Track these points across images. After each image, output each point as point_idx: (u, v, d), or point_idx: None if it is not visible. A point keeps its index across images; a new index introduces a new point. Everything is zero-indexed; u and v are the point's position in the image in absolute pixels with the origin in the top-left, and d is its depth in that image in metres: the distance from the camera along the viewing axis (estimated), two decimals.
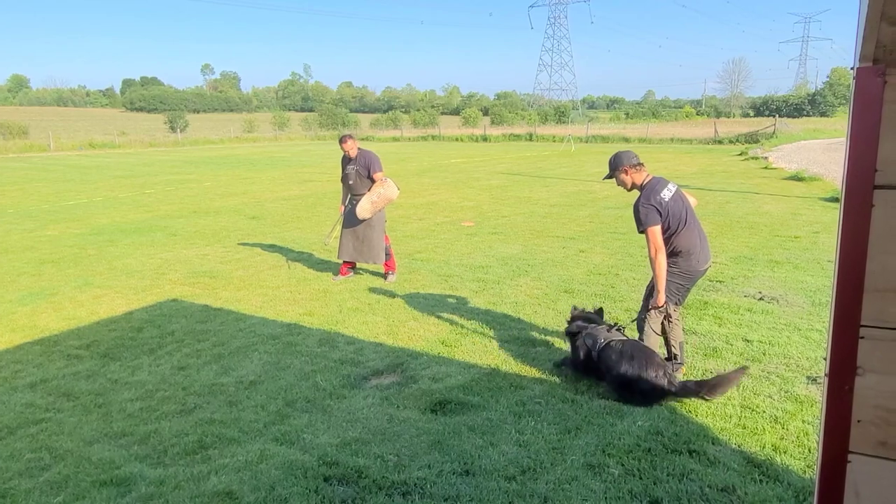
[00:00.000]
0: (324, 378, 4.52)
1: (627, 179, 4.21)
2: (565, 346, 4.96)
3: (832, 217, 10.70)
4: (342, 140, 7.18)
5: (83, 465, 3.45)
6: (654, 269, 4.13)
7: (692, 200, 4.38)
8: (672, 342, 4.44)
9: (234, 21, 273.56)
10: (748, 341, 4.98)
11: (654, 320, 4.23)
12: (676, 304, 4.35)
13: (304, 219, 12.04)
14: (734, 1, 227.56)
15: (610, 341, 4.15)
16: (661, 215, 4.04)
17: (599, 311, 4.70)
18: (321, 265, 8.09)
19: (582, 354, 4.27)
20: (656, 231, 4.04)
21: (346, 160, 7.22)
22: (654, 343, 4.25)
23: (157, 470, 3.38)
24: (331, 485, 3.19)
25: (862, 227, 1.41)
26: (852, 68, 1.50)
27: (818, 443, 1.63)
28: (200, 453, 3.55)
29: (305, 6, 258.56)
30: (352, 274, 7.48)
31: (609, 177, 4.32)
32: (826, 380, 1.50)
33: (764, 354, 4.72)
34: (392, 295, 6.64)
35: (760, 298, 6.11)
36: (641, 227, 4.08)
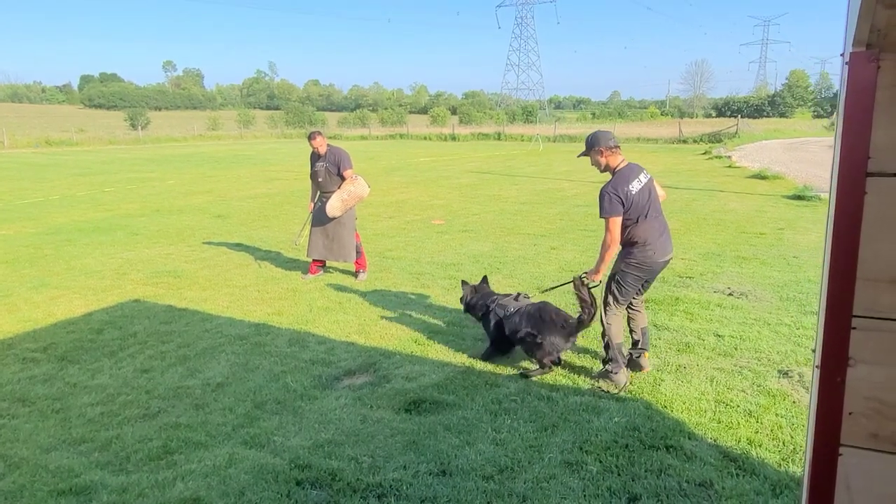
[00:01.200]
0: (294, 379, 4.40)
1: (602, 161, 4.18)
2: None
3: (796, 214, 10.94)
4: (311, 136, 7.04)
5: (40, 474, 3.27)
6: (601, 253, 4.13)
7: (661, 193, 4.37)
8: (634, 329, 4.45)
9: (197, 17, 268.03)
10: (719, 336, 5.02)
11: (614, 309, 4.21)
12: (637, 293, 4.33)
13: (272, 217, 11.82)
14: (697, 4, 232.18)
15: (519, 308, 4.52)
16: (623, 206, 4.03)
17: (484, 279, 5.15)
18: (289, 264, 7.93)
19: (493, 324, 4.61)
20: (616, 222, 4.04)
21: (316, 157, 7.08)
22: (617, 329, 4.22)
23: (120, 477, 3.23)
24: (303, 489, 3.08)
25: (854, 215, 1.38)
26: (842, 54, 1.47)
27: (807, 435, 1.60)
28: (165, 459, 3.41)
29: (271, 3, 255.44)
30: (321, 272, 7.35)
31: (583, 154, 4.29)
32: (817, 371, 1.47)
33: (735, 349, 4.75)
34: (363, 293, 6.53)
35: (730, 294, 6.17)
36: (602, 215, 4.08)
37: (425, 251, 8.56)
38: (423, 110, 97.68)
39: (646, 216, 4.09)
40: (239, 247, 9.06)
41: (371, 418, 3.80)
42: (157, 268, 7.82)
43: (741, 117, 48.76)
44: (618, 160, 4.18)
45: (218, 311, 6.04)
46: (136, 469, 3.31)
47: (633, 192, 4.05)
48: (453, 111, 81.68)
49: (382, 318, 5.71)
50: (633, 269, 4.15)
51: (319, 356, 4.83)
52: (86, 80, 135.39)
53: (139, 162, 27.30)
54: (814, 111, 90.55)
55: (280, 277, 7.28)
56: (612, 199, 4.02)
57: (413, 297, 6.40)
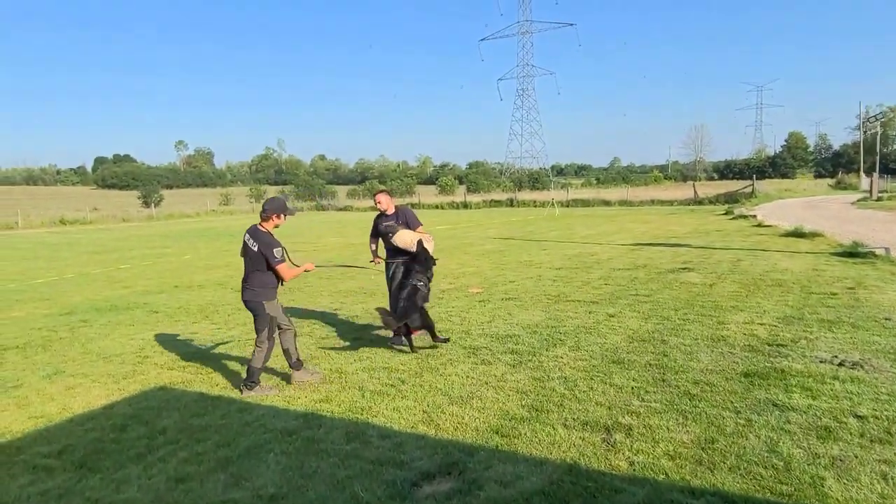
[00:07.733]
0: (363, 487, 3.61)
1: (276, 221, 5.64)
2: (641, 427, 4.19)
3: (857, 272, 10.20)
4: (377, 194, 7.10)
5: None
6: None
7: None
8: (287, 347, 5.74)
9: (208, 99, 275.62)
10: (861, 417, 4.22)
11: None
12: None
13: (297, 290, 11.15)
14: (691, 73, 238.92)
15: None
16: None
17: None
18: (328, 340, 7.20)
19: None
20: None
21: (382, 217, 7.07)
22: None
23: None
24: None
25: None
26: None
27: None
28: None
29: (279, 82, 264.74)
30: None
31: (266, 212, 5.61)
32: None
33: (890, 434, 3.94)
34: (417, 373, 5.76)
35: (840, 364, 5.39)
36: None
37: (473, 322, 7.83)
38: (430, 180, 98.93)
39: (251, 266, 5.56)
40: None
41: None
42: (183, 350, 7.10)
43: (756, 178, 48.84)
44: (270, 226, 5.62)
45: (257, 398, 5.29)
46: None
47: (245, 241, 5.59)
48: (460, 180, 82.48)
49: (449, 402, 4.94)
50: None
51: (386, 454, 4.04)
52: (100, 161, 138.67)
53: (154, 238, 26.99)
54: (815, 171, 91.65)
55: (320, 356, 6.54)
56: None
57: (476, 375, 5.63)
